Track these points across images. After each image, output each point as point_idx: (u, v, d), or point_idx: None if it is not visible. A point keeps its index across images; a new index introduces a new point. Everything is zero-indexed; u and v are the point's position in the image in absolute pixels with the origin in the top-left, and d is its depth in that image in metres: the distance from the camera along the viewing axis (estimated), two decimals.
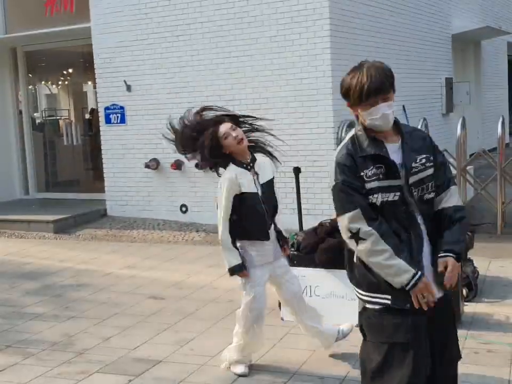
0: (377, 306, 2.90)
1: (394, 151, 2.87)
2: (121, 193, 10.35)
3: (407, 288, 2.75)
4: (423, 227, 2.87)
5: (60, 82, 13.75)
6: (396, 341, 2.84)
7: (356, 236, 2.79)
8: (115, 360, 4.75)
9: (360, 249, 2.81)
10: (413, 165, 2.86)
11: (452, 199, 2.93)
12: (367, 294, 2.93)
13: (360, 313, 3.04)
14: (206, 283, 6.67)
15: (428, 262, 2.88)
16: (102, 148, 10.51)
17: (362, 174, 2.81)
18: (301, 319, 4.57)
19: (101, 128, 10.49)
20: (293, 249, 5.59)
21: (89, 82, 12.29)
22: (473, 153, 9.30)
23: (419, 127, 8.75)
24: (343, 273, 5.21)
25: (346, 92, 2.88)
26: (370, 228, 2.77)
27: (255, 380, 4.32)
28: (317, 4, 8.50)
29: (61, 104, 13.92)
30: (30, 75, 12.62)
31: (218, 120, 4.29)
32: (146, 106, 9.94)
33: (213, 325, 5.41)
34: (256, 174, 4.30)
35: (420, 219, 2.87)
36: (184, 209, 9.81)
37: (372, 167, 2.82)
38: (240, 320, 4.39)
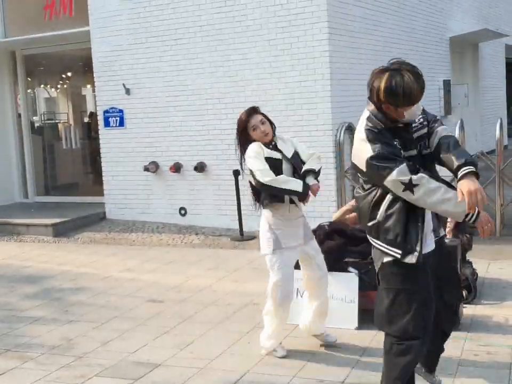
0: (390, 258, 3.29)
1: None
2: (120, 196, 10.36)
3: (472, 220, 3.09)
4: None
5: (58, 86, 13.76)
6: (401, 287, 3.28)
7: (409, 185, 3.07)
8: (114, 364, 4.74)
9: (417, 196, 3.08)
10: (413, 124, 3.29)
11: (445, 131, 3.31)
12: (384, 245, 3.30)
13: (378, 266, 3.39)
14: (205, 286, 6.67)
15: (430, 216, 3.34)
16: (101, 151, 10.52)
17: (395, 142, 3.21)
18: (311, 305, 4.81)
19: (99, 132, 10.49)
20: None
21: (88, 86, 12.31)
22: (471, 155, 9.29)
23: None
24: (342, 275, 5.26)
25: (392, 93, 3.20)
26: (419, 174, 3.08)
27: (254, 383, 4.32)
28: (315, 7, 8.51)
29: (60, 107, 13.93)
30: (29, 79, 12.63)
31: (251, 112, 4.63)
32: (145, 110, 9.94)
33: (212, 328, 5.41)
34: (280, 151, 4.59)
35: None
36: (183, 212, 9.81)
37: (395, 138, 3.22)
38: (269, 299, 4.66)
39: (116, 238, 9.36)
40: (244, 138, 4.64)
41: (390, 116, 3.25)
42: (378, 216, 3.29)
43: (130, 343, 5.16)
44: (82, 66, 12.59)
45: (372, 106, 3.29)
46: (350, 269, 5.26)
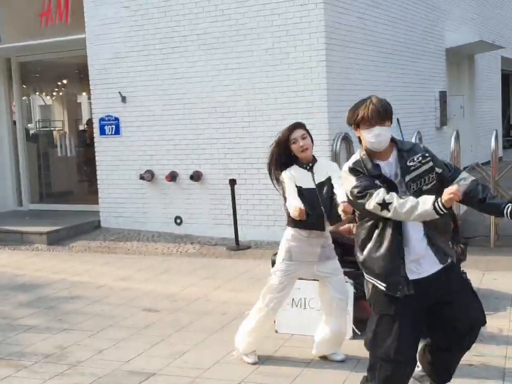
0: (377, 287, 3.52)
1: (387, 164, 3.53)
2: (115, 205, 10.33)
3: (437, 203, 3.24)
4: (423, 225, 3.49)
5: (54, 93, 13.76)
6: (385, 313, 3.49)
7: (383, 204, 3.35)
8: (108, 373, 4.72)
9: (392, 211, 3.34)
10: (409, 163, 3.49)
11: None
12: (371, 277, 3.54)
13: (368, 292, 3.62)
14: (200, 295, 6.65)
15: (424, 243, 3.50)
16: (96, 159, 10.50)
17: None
18: (325, 326, 4.77)
19: (95, 140, 10.48)
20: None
21: (84, 94, 12.33)
22: (466, 167, 9.33)
23: (413, 140, 8.82)
24: None
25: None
26: (390, 193, 3.37)
27: None
28: (312, 17, 8.55)
29: (55, 115, 13.94)
30: (24, 86, 12.62)
31: (295, 126, 4.63)
32: (141, 118, 9.94)
33: (207, 337, 5.39)
34: (313, 173, 4.61)
35: None
36: (178, 221, 9.79)
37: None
38: (259, 299, 4.76)
39: (111, 247, 9.33)
40: (283, 149, 4.63)
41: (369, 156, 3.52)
42: (365, 252, 3.54)
43: (124, 352, 5.13)
44: (78, 74, 12.60)
45: (363, 152, 3.58)
46: (345, 278, 5.25)
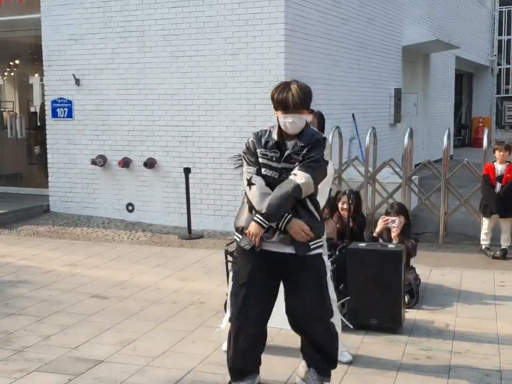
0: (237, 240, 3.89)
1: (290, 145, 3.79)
2: (65, 189, 10.15)
3: (282, 224, 3.70)
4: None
5: (5, 74, 13.41)
6: (244, 279, 3.83)
7: (249, 182, 3.78)
8: (55, 359, 4.63)
9: (249, 191, 3.78)
10: (293, 156, 3.74)
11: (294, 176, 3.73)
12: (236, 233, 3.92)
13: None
14: (151, 284, 6.58)
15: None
16: (47, 142, 10.28)
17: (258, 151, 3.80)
18: None
19: (47, 122, 10.26)
20: None
21: (36, 75, 12.04)
22: (418, 164, 9.47)
23: (367, 136, 8.91)
24: None
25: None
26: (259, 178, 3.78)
27: (198, 381, 4.28)
28: (272, 8, 8.53)
29: (5, 95, 13.59)
30: None
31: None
32: (95, 102, 9.78)
33: (156, 326, 5.34)
34: None
35: None
36: (130, 208, 9.68)
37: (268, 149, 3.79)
38: None
39: (60, 232, 9.17)
40: None
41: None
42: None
43: (72, 338, 5.05)
44: (30, 54, 12.31)
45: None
46: None
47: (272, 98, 3.80)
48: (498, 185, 7.61)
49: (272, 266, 3.83)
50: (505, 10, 23.25)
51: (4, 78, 13.44)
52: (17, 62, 12.96)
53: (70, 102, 9.97)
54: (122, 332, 5.19)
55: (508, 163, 7.66)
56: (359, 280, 5.15)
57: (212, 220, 9.12)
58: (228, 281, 5.42)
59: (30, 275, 6.94)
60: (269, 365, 4.36)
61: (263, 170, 3.80)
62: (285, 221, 3.72)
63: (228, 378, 4.07)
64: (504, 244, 7.69)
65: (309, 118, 3.88)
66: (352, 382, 4.28)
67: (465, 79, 23.36)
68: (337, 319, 4.28)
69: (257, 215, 3.73)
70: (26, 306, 5.88)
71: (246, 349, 3.91)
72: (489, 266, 7.26)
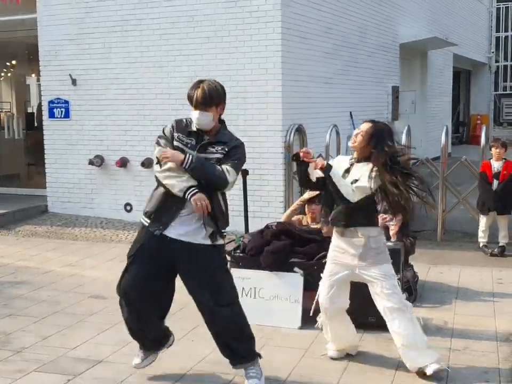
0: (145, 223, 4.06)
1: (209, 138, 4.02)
2: (63, 190, 10.14)
3: (188, 192, 3.85)
4: None
5: (2, 74, 13.40)
6: (132, 252, 4.09)
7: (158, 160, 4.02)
8: (54, 359, 4.63)
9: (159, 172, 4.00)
10: (210, 147, 3.97)
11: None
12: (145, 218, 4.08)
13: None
14: None
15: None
16: (44, 143, 10.27)
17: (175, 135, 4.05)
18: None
19: (44, 123, 10.25)
20: (238, 251, 5.59)
21: (33, 75, 12.04)
22: (416, 161, 9.46)
23: None
24: (288, 276, 5.28)
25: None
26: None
27: (197, 380, 4.29)
28: (269, 6, 8.52)
29: (2, 96, 13.59)
30: None
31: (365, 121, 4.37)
32: (92, 102, 9.76)
33: None
34: (350, 170, 4.30)
35: None
36: (128, 208, 9.67)
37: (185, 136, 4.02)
38: None
39: (58, 232, 9.16)
40: None
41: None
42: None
43: (70, 338, 5.05)
44: (27, 55, 12.30)
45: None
46: (296, 269, 5.28)
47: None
48: (495, 183, 7.62)
49: (163, 250, 3.99)
50: (502, 7, 23.26)
51: (1, 79, 13.44)
52: (14, 62, 12.96)
53: (67, 102, 9.95)
54: (121, 332, 5.15)
55: (504, 160, 7.67)
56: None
57: None
58: None
59: (29, 276, 6.94)
60: (268, 362, 4.36)
61: None
62: (192, 192, 3.86)
63: (225, 377, 4.07)
64: (502, 241, 7.70)
65: (216, 116, 4.03)
66: (351, 380, 4.29)
67: (463, 76, 23.36)
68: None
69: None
70: (25, 307, 5.87)
71: (127, 318, 4.19)
72: (487, 264, 7.26)
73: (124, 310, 4.16)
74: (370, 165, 4.19)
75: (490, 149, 7.76)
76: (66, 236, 8.98)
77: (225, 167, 3.91)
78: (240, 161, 4.05)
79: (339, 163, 4.37)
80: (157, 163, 4.04)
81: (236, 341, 4.07)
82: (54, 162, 10.18)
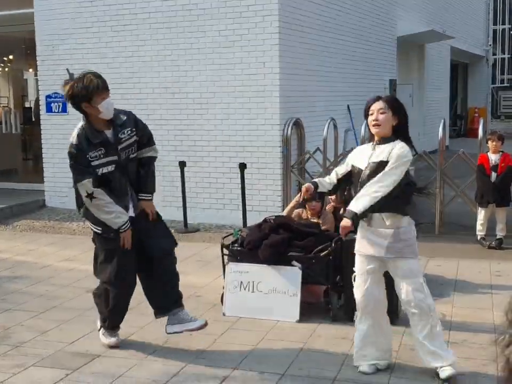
0: (99, 232, 4.49)
1: (109, 134, 4.37)
2: (61, 184, 10.13)
3: (121, 229, 4.38)
4: (128, 182, 4.52)
5: None
6: (107, 248, 4.48)
7: (90, 195, 4.31)
8: (52, 354, 4.64)
9: (94, 204, 4.34)
10: (120, 135, 4.36)
11: (149, 152, 4.65)
12: (96, 227, 4.47)
13: (95, 235, 4.56)
14: None
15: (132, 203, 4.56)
16: (42, 137, 10.25)
17: (88, 156, 4.32)
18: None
19: (41, 117, 10.23)
20: (236, 245, 5.59)
21: (31, 70, 12.02)
22: (415, 154, 9.45)
23: (363, 127, 8.87)
24: (286, 269, 5.29)
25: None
26: (99, 190, 4.30)
27: (195, 375, 4.29)
28: (266, 0, 8.50)
29: (0, 91, 13.55)
30: None
31: (377, 98, 4.14)
32: None
33: (153, 319, 5.32)
34: (373, 153, 4.08)
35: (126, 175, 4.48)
36: None
37: (94, 150, 4.31)
38: None
39: (56, 227, 9.15)
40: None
41: (94, 125, 4.35)
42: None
43: (69, 333, 5.05)
44: (25, 50, 12.26)
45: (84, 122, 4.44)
46: (294, 263, 5.28)
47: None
48: (494, 175, 7.62)
49: None
50: (499, 0, 23.21)
51: None
52: (11, 57, 12.93)
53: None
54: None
55: (501, 153, 7.67)
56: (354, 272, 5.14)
57: (207, 214, 9.12)
58: (224, 275, 5.43)
59: (27, 270, 6.93)
60: (266, 356, 4.37)
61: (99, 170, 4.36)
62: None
63: (224, 372, 4.07)
64: (500, 234, 7.71)
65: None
66: (349, 373, 4.29)
67: (460, 69, 23.35)
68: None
69: None
70: (23, 301, 5.87)
71: (118, 301, 4.69)
72: (485, 256, 7.27)
73: (115, 294, 4.57)
74: (398, 144, 4.03)
75: (487, 142, 7.76)
76: (64, 231, 8.98)
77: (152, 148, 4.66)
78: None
79: (361, 151, 4.19)
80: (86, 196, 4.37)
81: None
82: (52, 156, 10.16)
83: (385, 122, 4.03)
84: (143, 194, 4.63)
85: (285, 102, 8.69)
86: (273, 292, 5.31)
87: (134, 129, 4.45)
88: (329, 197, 6.03)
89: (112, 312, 4.68)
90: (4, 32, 11.45)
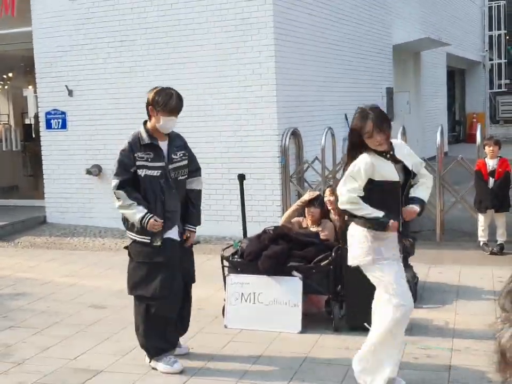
0: (143, 241, 4.51)
1: (163, 145, 4.57)
2: (61, 200, 10.14)
3: (142, 222, 4.41)
4: (177, 195, 4.58)
5: None
6: (155, 260, 4.44)
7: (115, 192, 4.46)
8: (54, 371, 4.63)
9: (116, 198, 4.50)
10: (173, 156, 4.57)
11: (197, 184, 4.78)
12: (135, 234, 4.55)
13: (130, 244, 4.65)
14: None
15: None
16: (42, 154, 10.28)
17: (136, 154, 4.45)
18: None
19: (41, 134, 10.26)
20: (236, 256, 5.59)
21: (30, 87, 12.05)
22: None
23: None
24: (286, 280, 5.29)
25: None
26: (121, 192, 4.45)
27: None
28: (261, 13, 8.55)
29: (0, 108, 13.59)
30: None
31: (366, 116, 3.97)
32: (88, 112, 9.78)
33: None
34: (398, 161, 4.03)
35: (175, 192, 4.56)
36: None
37: (143, 152, 4.46)
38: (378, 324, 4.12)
39: (57, 243, 9.16)
40: (356, 146, 4.04)
41: (150, 131, 4.54)
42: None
43: (71, 349, 5.04)
44: (24, 67, 12.31)
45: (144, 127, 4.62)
46: (294, 273, 5.28)
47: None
48: (491, 180, 7.62)
49: None
50: (494, 6, 23.26)
51: None
52: (10, 75, 12.97)
53: (63, 113, 9.97)
54: (122, 341, 5.18)
55: (499, 158, 7.68)
56: (355, 280, 5.14)
57: (207, 225, 9.09)
58: (225, 287, 5.43)
59: (28, 287, 6.93)
60: (269, 368, 4.36)
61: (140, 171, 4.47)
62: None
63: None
64: (500, 239, 7.69)
65: None
66: (352, 383, 4.28)
67: (457, 75, 23.38)
68: None
69: None
70: (25, 318, 5.87)
71: (168, 313, 4.64)
72: (487, 262, 7.25)
73: (157, 309, 4.49)
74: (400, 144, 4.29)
75: (484, 148, 7.77)
76: (65, 246, 8.99)
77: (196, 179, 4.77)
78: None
79: (379, 163, 4.01)
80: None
81: None
82: (52, 172, 10.19)
83: (385, 140, 3.98)
84: (190, 226, 4.73)
85: (282, 112, 8.71)
86: (274, 303, 5.31)
87: (186, 154, 4.69)
88: (326, 200, 6.04)
89: (150, 333, 4.55)
90: (3, 50, 11.51)
